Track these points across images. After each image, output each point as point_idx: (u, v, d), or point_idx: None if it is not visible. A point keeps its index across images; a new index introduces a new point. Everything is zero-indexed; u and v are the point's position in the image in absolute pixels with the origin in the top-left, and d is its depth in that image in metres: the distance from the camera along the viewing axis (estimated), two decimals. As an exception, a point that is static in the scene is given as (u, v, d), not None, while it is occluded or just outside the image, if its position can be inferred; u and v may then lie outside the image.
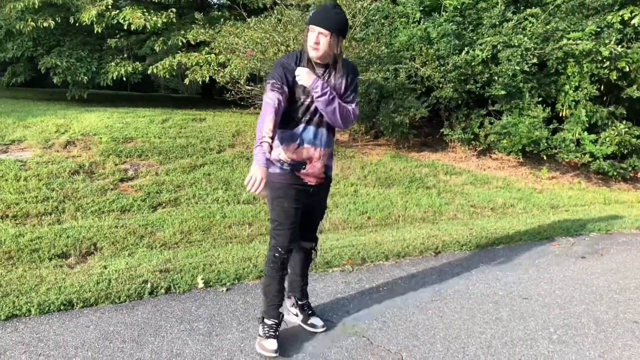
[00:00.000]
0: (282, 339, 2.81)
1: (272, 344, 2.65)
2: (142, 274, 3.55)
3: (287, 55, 2.71)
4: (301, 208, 2.73)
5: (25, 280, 3.36)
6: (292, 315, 3.04)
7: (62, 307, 3.05)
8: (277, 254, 2.71)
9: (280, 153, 2.67)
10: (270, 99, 2.51)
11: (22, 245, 3.94)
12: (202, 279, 3.51)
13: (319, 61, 2.61)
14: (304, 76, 2.56)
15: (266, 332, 2.71)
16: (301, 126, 2.66)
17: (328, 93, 2.57)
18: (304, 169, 2.69)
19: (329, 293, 3.49)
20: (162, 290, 3.35)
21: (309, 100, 2.63)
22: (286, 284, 2.95)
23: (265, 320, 2.74)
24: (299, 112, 2.66)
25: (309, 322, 2.95)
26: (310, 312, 3.00)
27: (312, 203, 2.81)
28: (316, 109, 2.64)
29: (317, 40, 2.53)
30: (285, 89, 2.56)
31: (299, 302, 3.01)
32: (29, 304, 3.02)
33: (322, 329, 2.93)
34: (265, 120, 2.46)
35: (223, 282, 3.54)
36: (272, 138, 2.46)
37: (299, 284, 3.02)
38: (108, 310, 3.08)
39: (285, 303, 3.07)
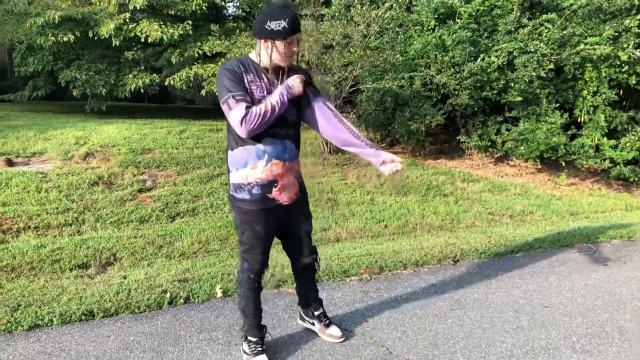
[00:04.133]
0: (301, 349, 2.81)
1: (263, 359, 2.64)
2: (161, 283, 3.58)
3: (229, 65, 2.41)
4: (276, 228, 2.62)
5: (47, 291, 3.41)
6: (308, 324, 3.02)
7: (83, 317, 3.09)
8: (250, 276, 2.62)
9: (247, 175, 2.47)
10: (243, 109, 2.33)
11: (43, 256, 4.01)
12: (220, 288, 3.52)
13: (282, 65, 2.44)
14: (299, 86, 2.45)
15: (253, 349, 2.67)
16: (266, 140, 2.44)
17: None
18: (276, 187, 2.50)
19: (347, 302, 3.48)
20: (181, 300, 3.38)
21: None
22: (295, 289, 2.98)
23: (250, 338, 2.70)
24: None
25: (327, 332, 2.93)
26: (327, 321, 2.98)
27: (291, 219, 2.68)
28: (282, 121, 2.45)
29: (299, 48, 2.39)
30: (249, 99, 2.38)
31: (315, 312, 2.98)
32: (51, 314, 3.07)
33: (340, 339, 2.90)
34: (261, 110, 2.34)
35: (241, 292, 3.55)
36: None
37: (308, 295, 2.98)
38: (128, 320, 3.11)
39: (299, 312, 3.07)
